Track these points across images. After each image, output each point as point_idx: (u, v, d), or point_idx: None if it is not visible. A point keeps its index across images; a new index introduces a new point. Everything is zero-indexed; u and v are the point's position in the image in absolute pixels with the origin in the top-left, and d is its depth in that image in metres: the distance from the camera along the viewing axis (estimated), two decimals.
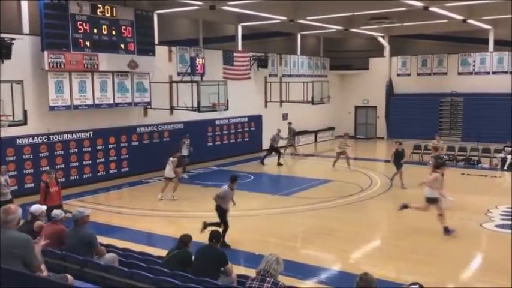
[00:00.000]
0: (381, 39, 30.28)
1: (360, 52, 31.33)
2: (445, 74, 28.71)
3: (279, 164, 21.97)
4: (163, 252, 7.80)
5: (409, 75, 29.94)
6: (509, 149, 20.50)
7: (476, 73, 27.64)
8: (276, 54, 26.88)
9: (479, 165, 20.99)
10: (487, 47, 27.45)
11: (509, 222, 12.71)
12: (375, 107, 30.89)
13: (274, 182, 19.80)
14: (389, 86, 30.27)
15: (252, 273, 5.45)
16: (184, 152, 18.70)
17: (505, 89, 26.13)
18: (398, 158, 17.49)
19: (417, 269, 9.38)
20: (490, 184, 18.27)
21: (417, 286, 4.89)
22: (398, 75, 30.29)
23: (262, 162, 21.98)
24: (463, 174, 19.63)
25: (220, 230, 10.01)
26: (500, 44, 27.26)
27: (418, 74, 29.65)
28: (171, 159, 15.52)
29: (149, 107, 19.50)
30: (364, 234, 12.03)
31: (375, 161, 24.04)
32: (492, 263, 10.04)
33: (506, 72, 26.72)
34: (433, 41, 30.21)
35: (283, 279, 5.43)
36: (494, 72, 27.07)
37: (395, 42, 30.38)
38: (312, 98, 24.96)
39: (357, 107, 31.75)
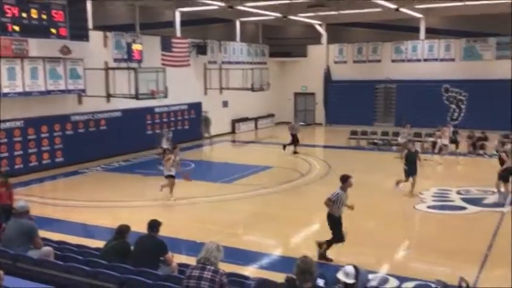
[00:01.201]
0: (318, 27, 30.74)
1: (298, 39, 31.67)
2: (379, 61, 29.59)
3: (295, 152, 21.24)
4: (100, 244, 7.58)
5: (345, 62, 30.61)
6: (440, 133, 21.46)
7: (408, 60, 28.67)
8: (215, 41, 26.65)
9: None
10: (419, 35, 28.51)
11: (440, 203, 13.36)
12: (314, 93, 31.41)
13: (215, 169, 19.75)
14: (327, 73, 30.86)
15: (193, 261, 5.40)
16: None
17: (436, 75, 27.33)
18: (411, 162, 14.23)
19: (355, 250, 9.66)
20: (422, 167, 19.02)
21: (351, 266, 5.02)
22: (336, 62, 30.91)
23: (295, 152, 21.22)
24: (396, 157, 20.33)
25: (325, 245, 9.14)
26: (431, 32, 28.40)
27: (354, 61, 30.38)
28: (166, 157, 14.09)
29: (84, 94, 18.82)
30: (304, 218, 12.24)
31: (313, 146, 24.47)
32: (425, 242, 10.52)
33: (436, 60, 27.90)
34: (368, 29, 31.00)
35: (224, 267, 5.42)
36: (425, 60, 28.19)
37: (332, 30, 30.94)
38: (252, 85, 25.02)
39: (296, 94, 32.16)
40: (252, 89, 25.12)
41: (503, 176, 13.70)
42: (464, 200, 13.60)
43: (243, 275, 6.47)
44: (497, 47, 26.36)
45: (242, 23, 29.36)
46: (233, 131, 28.02)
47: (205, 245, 5.29)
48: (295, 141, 21.48)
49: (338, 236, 9.24)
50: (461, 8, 24.89)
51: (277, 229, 11.40)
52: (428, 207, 13.08)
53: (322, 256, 9.09)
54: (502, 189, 13.84)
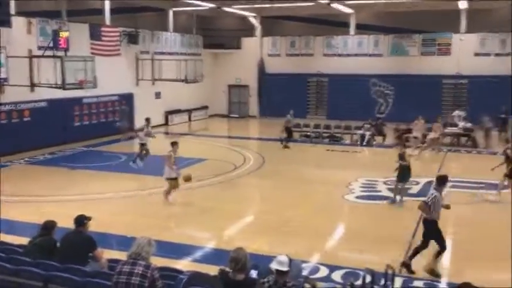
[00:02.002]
0: (252, 20, 30.82)
1: (232, 31, 31.60)
2: (312, 55, 30.14)
3: (286, 147, 20.93)
4: (25, 241, 7.20)
5: (279, 55, 30.92)
6: (368, 126, 22.26)
7: (339, 55, 29.42)
8: (147, 30, 26.03)
9: (342, 141, 22.49)
10: (349, 30, 29.29)
11: (368, 193, 13.84)
12: (248, 86, 31.52)
13: (147, 162, 19.32)
14: (261, 66, 31.05)
15: (125, 257, 5.24)
16: (142, 140, 17.32)
17: (365, 70, 28.21)
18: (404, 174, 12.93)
19: (288, 241, 9.82)
20: (351, 159, 19.69)
21: (284, 255, 5.08)
22: (269, 55, 31.15)
23: (286, 146, 20.89)
24: (327, 150, 20.89)
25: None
26: (361, 28, 29.28)
27: (287, 55, 30.76)
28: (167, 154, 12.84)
29: (6, 83, 17.77)
30: (238, 210, 12.28)
31: (248, 139, 24.59)
32: (354, 232, 10.86)
33: (366, 55, 28.80)
34: (301, 23, 31.47)
35: (157, 261, 5.31)
36: (355, 55, 29.03)
37: (267, 23, 31.13)
38: (186, 76, 24.70)
39: (230, 86, 32.12)
40: (186, 81, 24.81)
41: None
42: (390, 189, 14.15)
43: (175, 269, 6.37)
44: (422, 43, 27.61)
45: (175, 13, 28.87)
46: (166, 123, 27.57)
47: (136, 239, 5.16)
48: (291, 135, 21.56)
49: (443, 243, 8.27)
50: (390, 5, 25.85)
51: (211, 222, 11.35)
52: (357, 197, 13.52)
53: (408, 266, 8.38)
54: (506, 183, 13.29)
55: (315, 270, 8.44)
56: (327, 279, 8.06)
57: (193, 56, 28.34)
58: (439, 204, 8.31)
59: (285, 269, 4.99)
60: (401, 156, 12.96)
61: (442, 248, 8.25)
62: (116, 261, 6.39)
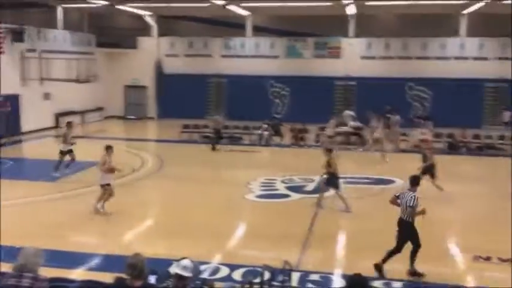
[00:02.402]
0: (148, 19, 30.18)
1: (128, 30, 30.72)
2: (210, 56, 30.21)
3: (214, 149, 20.58)
4: None
5: (177, 56, 30.59)
6: (266, 126, 22.78)
7: (237, 56, 29.77)
8: (33, 27, 24.44)
9: (241, 141, 22.79)
10: (246, 32, 29.76)
11: (267, 192, 14.17)
12: (145, 86, 30.80)
13: (37, 167, 18.17)
14: (159, 66, 30.52)
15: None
16: (63, 147, 15.83)
17: (262, 71, 28.78)
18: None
19: (187, 243, 9.74)
20: (250, 158, 20.02)
21: (188, 260, 5.04)
22: (167, 55, 30.71)
23: (214, 148, 20.47)
24: (227, 150, 21.04)
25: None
26: (257, 30, 29.89)
27: (186, 55, 30.54)
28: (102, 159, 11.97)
29: None
30: (136, 214, 11.95)
31: (146, 141, 24.06)
32: (254, 230, 11.05)
33: (262, 56, 29.43)
34: (199, 23, 31.42)
35: (48, 272, 5.01)
36: (253, 56, 29.56)
37: (164, 22, 30.66)
38: (78, 76, 23.57)
39: (127, 87, 31.17)
40: (78, 81, 23.67)
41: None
42: (288, 188, 14.63)
43: (67, 279, 6.05)
44: (315, 46, 28.81)
45: (65, 10, 27.43)
46: (57, 126, 26.08)
47: (22, 250, 4.82)
48: (220, 137, 21.25)
49: (419, 243, 8.37)
50: (285, 9, 26.66)
51: (107, 227, 10.94)
52: (257, 196, 13.78)
53: (415, 273, 8.39)
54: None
55: (216, 271, 8.46)
56: (227, 279, 8.11)
57: (85, 55, 27.12)
58: (417, 204, 8.41)
59: (188, 274, 4.94)
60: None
61: (418, 246, 8.35)
62: (2, 274, 5.93)
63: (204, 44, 30.33)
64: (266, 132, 22.42)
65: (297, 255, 9.15)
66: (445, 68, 26.80)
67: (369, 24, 28.20)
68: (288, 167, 17.78)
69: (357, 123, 22.77)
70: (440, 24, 27.20)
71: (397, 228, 8.55)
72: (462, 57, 27.15)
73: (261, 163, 19.26)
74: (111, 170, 11.88)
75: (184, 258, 5.12)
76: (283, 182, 15.28)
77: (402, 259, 8.49)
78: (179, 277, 4.95)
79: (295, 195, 13.86)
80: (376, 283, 7.96)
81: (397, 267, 8.54)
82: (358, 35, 28.12)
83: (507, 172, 16.64)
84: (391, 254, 8.42)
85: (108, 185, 11.82)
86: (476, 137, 21.85)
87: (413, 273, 8.39)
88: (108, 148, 12.13)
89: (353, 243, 10.21)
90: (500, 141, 21.48)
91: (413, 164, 18.75)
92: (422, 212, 8.39)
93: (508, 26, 26.59)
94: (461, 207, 13.10)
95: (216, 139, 21.05)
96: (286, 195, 13.90)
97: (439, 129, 22.32)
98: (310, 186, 14.84)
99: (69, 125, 16.28)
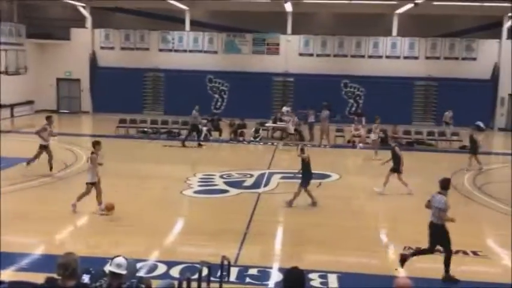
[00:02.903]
0: (82, 10, 29.13)
1: (61, 21, 29.52)
2: (148, 49, 29.63)
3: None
4: None
5: (112, 48, 29.77)
6: (205, 121, 22.66)
7: (175, 50, 29.39)
8: None
9: (180, 136, 22.53)
10: (185, 26, 29.41)
11: (206, 188, 14.12)
12: (79, 79, 29.75)
13: None
14: (93, 59, 29.57)
15: None
16: (44, 141, 14.90)
17: (201, 66, 28.57)
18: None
19: (123, 240, 9.54)
20: (189, 154, 19.85)
21: (121, 257, 4.95)
22: (102, 48, 29.82)
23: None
24: (165, 146, 20.78)
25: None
26: (196, 25, 29.63)
27: (122, 48, 29.78)
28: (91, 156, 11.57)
29: None
30: (69, 212, 11.54)
31: (80, 136, 23.27)
32: (192, 226, 10.99)
33: (201, 51, 29.23)
34: (136, 16, 30.70)
35: None
36: (191, 51, 29.28)
37: (98, 14, 29.72)
38: (6, 68, 22.41)
39: (59, 80, 29.96)
40: (6, 73, 22.51)
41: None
42: (226, 183, 14.64)
43: None
44: (253, 42, 28.96)
45: None
46: None
47: None
48: (198, 132, 20.85)
49: (450, 248, 8.32)
50: (224, 4, 26.60)
51: (38, 226, 10.49)
52: (195, 192, 13.69)
53: (450, 278, 8.28)
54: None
55: (153, 268, 8.35)
56: (165, 276, 8.02)
57: (14, 46, 25.81)
58: (447, 208, 8.44)
59: (122, 271, 4.85)
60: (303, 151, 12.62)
61: (449, 252, 8.33)
62: None
63: (141, 37, 29.70)
64: (205, 128, 22.31)
65: (235, 251, 9.19)
66: (378, 66, 27.76)
67: (306, 22, 28.69)
68: (227, 163, 17.82)
69: (295, 119, 23.14)
70: (373, 23, 28.14)
71: (428, 231, 8.56)
72: (394, 56, 28.22)
73: (200, 159, 19.15)
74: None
75: (118, 256, 5.01)
76: (221, 177, 15.28)
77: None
78: (113, 275, 4.85)
79: (234, 191, 13.89)
80: (312, 275, 8.14)
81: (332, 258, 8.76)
82: (296, 32, 28.54)
83: (436, 166, 17.53)
84: (422, 252, 8.52)
85: (93, 183, 11.37)
86: (407, 132, 22.80)
87: (448, 278, 8.30)
88: (97, 144, 11.66)
89: (291, 237, 10.40)
90: (430, 137, 22.53)
91: (348, 159, 19.46)
92: (452, 220, 8.42)
93: (437, 26, 27.98)
94: (393, 200, 13.65)
95: (197, 135, 20.91)
96: (225, 191, 13.91)
97: (371, 126, 23.08)
98: (249, 182, 14.94)
99: (49, 119, 15.57)
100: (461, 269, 9.04)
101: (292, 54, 28.50)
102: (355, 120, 23.12)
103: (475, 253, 9.52)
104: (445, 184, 8.58)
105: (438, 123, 25.89)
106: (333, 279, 8.18)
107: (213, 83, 29.15)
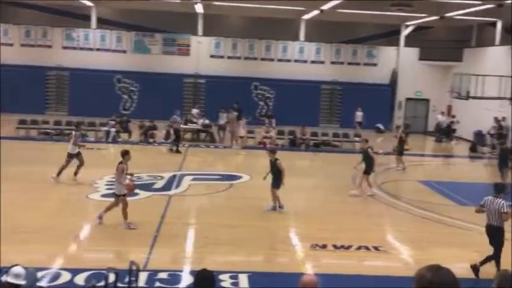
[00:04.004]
0: None
1: None
2: (50, 47, 28.14)
3: (178, 151, 19.44)
4: None
5: (11, 45, 27.88)
6: (113, 122, 21.98)
7: (81, 48, 28.17)
8: None
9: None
10: (90, 23, 28.28)
11: (114, 191, 13.67)
12: None
13: None
14: None
15: None
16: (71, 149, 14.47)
17: (109, 66, 27.56)
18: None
19: (22, 248, 8.98)
20: (96, 156, 19.09)
21: (19, 266, 4.68)
22: (1, 44, 27.80)
23: (178, 151, 19.51)
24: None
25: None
26: (103, 23, 28.60)
27: (22, 45, 28.02)
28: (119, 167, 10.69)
29: None
30: None
31: None
32: (100, 231, 10.57)
33: (108, 50, 28.27)
34: (37, 11, 29.02)
35: None
36: (98, 49, 28.23)
37: None
38: None
39: None
40: None
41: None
42: (136, 186, 14.26)
43: None
44: (163, 42, 28.53)
45: None
46: None
47: None
48: (178, 137, 20.19)
49: (500, 252, 8.49)
50: (133, 3, 25.92)
51: None
52: (102, 195, 13.21)
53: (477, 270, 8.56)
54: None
55: (56, 276, 7.94)
56: (69, 284, 7.67)
57: None
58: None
59: (21, 282, 4.58)
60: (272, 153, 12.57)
61: (497, 257, 8.48)
62: None
63: (43, 33, 28.13)
64: (113, 129, 21.63)
65: (145, 255, 9.00)
66: (287, 70, 28.51)
67: (217, 24, 28.79)
68: (137, 165, 17.29)
69: (206, 121, 23.15)
70: (282, 28, 28.88)
71: (488, 236, 8.72)
72: (301, 60, 29.14)
73: (108, 161, 18.43)
74: (130, 187, 10.80)
75: (16, 265, 4.73)
76: (131, 180, 14.86)
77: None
78: (10, 286, 4.57)
79: (143, 193, 13.58)
80: (222, 276, 8.19)
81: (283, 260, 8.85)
82: (207, 34, 28.53)
83: (341, 166, 18.35)
84: (489, 259, 8.60)
85: (124, 195, 10.65)
86: (314, 134, 23.65)
87: (476, 270, 8.63)
88: (126, 154, 10.99)
89: (202, 239, 10.36)
90: (335, 138, 23.52)
91: (259, 160, 19.72)
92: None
93: (341, 33, 29.31)
94: (300, 199, 14.10)
95: (176, 140, 20.14)
96: (134, 194, 13.54)
97: (281, 127, 23.72)
98: (160, 184, 14.70)
99: (79, 126, 15.60)
100: (363, 263, 9.57)
101: (203, 56, 28.45)
102: (265, 122, 23.59)
103: (376, 248, 10.07)
104: (499, 188, 8.95)
105: (343, 125, 27.14)
106: (243, 279, 8.28)
107: (122, 83, 28.32)
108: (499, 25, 25.68)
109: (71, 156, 14.42)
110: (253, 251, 9.78)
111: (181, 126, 22.75)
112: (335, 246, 10.02)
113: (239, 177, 15.84)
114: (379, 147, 22.54)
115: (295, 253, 9.90)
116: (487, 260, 8.62)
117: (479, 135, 24.75)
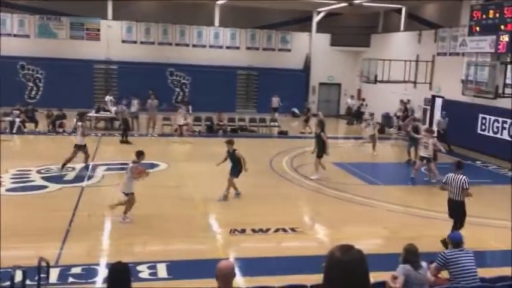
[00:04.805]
0: None
1: None
2: None
3: (127, 142, 18.80)
4: None
5: None
6: (18, 112, 20.63)
7: None
8: None
9: None
10: None
11: (21, 185, 12.90)
12: None
13: None
14: None
15: None
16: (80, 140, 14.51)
17: (12, 52, 25.69)
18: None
19: None
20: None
21: None
22: None
23: (127, 141, 18.82)
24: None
25: None
26: (4, 6, 26.56)
27: None
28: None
29: None
30: None
31: None
32: (7, 228, 9.89)
33: (10, 35, 26.36)
34: None
35: None
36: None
37: None
38: None
39: None
40: None
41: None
42: (44, 178, 13.57)
43: None
44: (70, 26, 27.08)
45: None
46: None
47: None
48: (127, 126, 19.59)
49: (464, 223, 9.37)
50: None
51: None
52: (7, 190, 12.41)
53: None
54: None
55: None
56: None
57: None
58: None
59: None
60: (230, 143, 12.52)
61: (462, 226, 9.26)
62: None
63: None
64: (18, 119, 20.32)
65: (57, 250, 8.58)
66: (203, 55, 28.23)
67: (128, 8, 27.80)
68: (45, 156, 16.47)
69: (119, 108, 22.42)
70: (197, 13, 28.49)
71: (450, 210, 9.53)
72: (217, 45, 28.98)
73: (13, 153, 17.35)
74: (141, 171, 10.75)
75: None
76: (39, 172, 14.11)
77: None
78: None
79: (53, 186, 12.93)
80: (140, 267, 8.01)
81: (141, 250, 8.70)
82: (117, 18, 27.48)
83: (258, 151, 18.58)
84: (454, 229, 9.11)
85: (133, 193, 10.52)
86: (232, 120, 23.71)
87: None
88: (141, 154, 10.89)
89: (119, 231, 10.04)
90: (252, 124, 23.73)
91: (176, 147, 19.55)
92: (471, 195, 9.43)
93: (255, 18, 29.48)
94: (219, 185, 14.09)
95: (125, 130, 19.47)
96: (44, 187, 12.88)
97: (198, 114, 23.53)
98: (71, 175, 14.06)
99: (83, 116, 15.80)
100: (281, 245, 9.78)
101: (114, 41, 27.38)
102: (181, 109, 23.25)
103: (293, 230, 10.32)
104: (460, 165, 9.82)
105: (260, 111, 27.43)
106: (162, 269, 8.15)
107: (26, 70, 26.60)
108: (404, 11, 27.07)
109: (78, 147, 14.46)
110: (172, 239, 9.65)
111: (94, 114, 21.92)
112: (254, 230, 10.14)
113: (156, 166, 15.52)
114: (295, 131, 23.14)
115: (214, 239, 9.89)
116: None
117: (386, 117, 26.09)
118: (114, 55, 27.23)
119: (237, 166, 12.30)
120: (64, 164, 14.29)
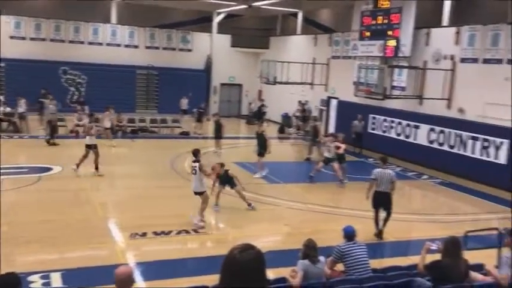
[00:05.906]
0: None
1: None
2: None
3: (53, 143, 18.15)
4: None
5: None
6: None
7: None
8: None
9: None
10: None
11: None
12: None
13: None
14: None
15: None
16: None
17: None
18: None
19: None
20: None
21: None
22: None
23: (53, 143, 18.23)
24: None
25: None
26: None
27: None
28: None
29: None
30: None
31: None
32: None
33: None
34: None
35: None
36: None
37: None
38: None
39: None
40: None
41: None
42: None
43: None
44: None
45: None
46: None
47: None
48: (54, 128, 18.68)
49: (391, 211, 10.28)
50: None
51: None
52: None
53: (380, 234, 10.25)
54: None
55: None
56: None
57: None
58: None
59: None
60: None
61: (389, 215, 10.27)
62: None
63: None
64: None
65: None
66: (99, 54, 27.15)
67: (17, 2, 25.96)
68: None
69: (7, 109, 20.94)
70: (92, 9, 27.34)
71: (378, 202, 10.21)
72: (115, 43, 28.02)
73: None
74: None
75: None
76: None
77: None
78: None
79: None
80: (32, 277, 7.52)
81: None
82: (6, 12, 25.53)
83: (159, 152, 18.25)
84: (386, 220, 10.23)
85: (205, 191, 10.77)
86: (131, 121, 23.04)
87: (379, 234, 10.20)
88: (198, 152, 10.85)
89: (7, 239, 9.30)
90: (153, 124, 23.24)
91: (71, 150, 18.59)
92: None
93: (155, 17, 28.94)
94: (119, 187, 13.65)
95: (52, 132, 18.66)
96: None
97: (95, 114, 22.53)
98: None
99: (93, 116, 15.88)
100: (184, 247, 9.69)
101: (2, 37, 25.42)
102: (77, 109, 22.15)
103: (195, 231, 10.25)
104: (386, 159, 10.67)
105: (161, 111, 26.95)
106: (56, 278, 7.71)
107: None
108: (300, 16, 28.05)
109: (89, 147, 14.33)
110: (68, 247, 9.14)
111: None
112: (155, 233, 9.93)
113: (49, 169, 14.67)
114: (197, 131, 23.03)
115: (114, 244, 9.53)
116: (385, 222, 10.28)
117: (286, 117, 26.87)
118: (2, 52, 25.26)
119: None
120: (78, 164, 14.26)
